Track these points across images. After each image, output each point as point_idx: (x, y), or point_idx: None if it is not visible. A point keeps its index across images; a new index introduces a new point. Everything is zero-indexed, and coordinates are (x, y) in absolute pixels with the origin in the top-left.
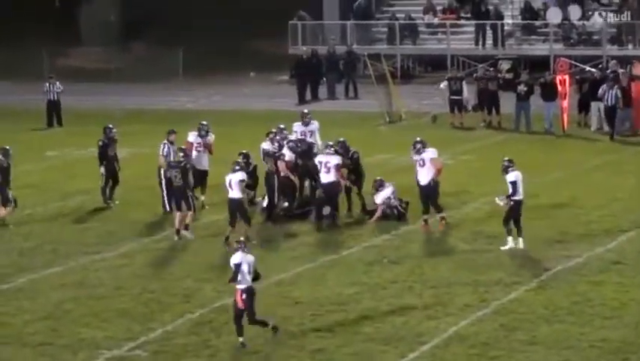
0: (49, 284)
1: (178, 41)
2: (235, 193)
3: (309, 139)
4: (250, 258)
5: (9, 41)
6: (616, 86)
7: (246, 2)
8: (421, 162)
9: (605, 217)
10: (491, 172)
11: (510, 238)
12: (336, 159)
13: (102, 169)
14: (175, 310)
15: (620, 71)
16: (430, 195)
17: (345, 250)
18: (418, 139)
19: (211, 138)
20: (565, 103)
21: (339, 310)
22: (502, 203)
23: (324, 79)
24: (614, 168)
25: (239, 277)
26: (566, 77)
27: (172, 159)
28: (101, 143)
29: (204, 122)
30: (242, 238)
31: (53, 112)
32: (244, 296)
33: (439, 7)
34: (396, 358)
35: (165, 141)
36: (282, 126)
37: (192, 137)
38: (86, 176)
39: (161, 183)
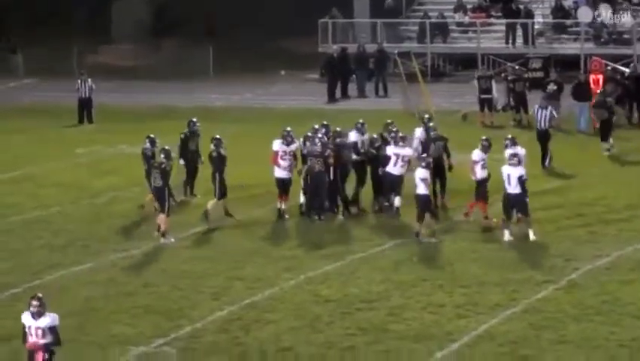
0: (79, 281)
1: (208, 39)
2: (420, 189)
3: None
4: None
5: (40, 39)
6: (549, 107)
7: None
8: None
9: (635, 217)
10: None
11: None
12: (409, 151)
13: (181, 161)
14: (204, 307)
15: None
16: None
17: (375, 248)
18: (509, 136)
19: (296, 145)
20: None
21: (368, 308)
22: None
23: (355, 76)
24: None
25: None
26: (600, 76)
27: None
28: (183, 136)
29: (289, 129)
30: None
31: (84, 109)
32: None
33: (469, 6)
34: (426, 356)
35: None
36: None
37: (277, 145)
38: (116, 173)
39: (305, 183)
